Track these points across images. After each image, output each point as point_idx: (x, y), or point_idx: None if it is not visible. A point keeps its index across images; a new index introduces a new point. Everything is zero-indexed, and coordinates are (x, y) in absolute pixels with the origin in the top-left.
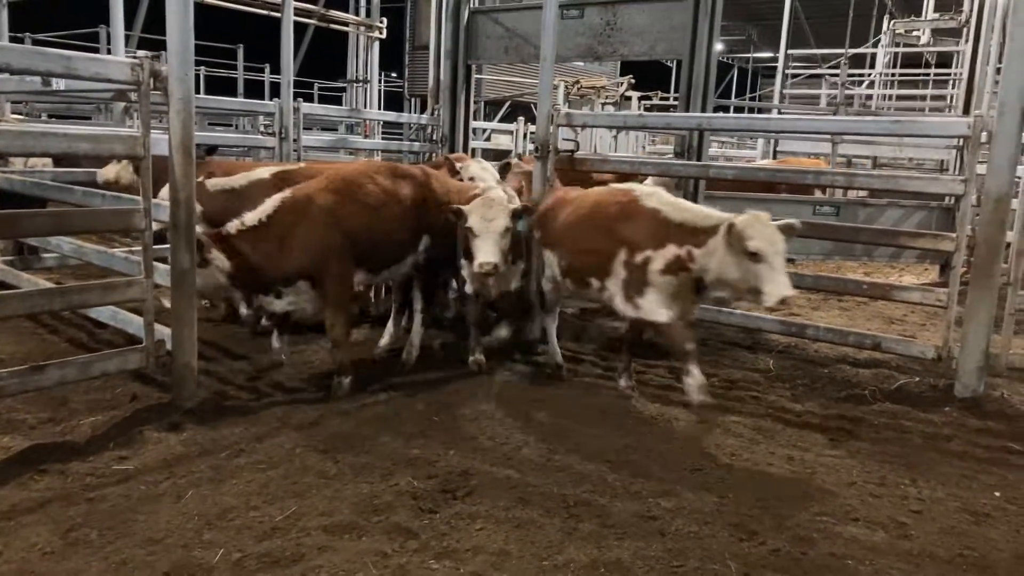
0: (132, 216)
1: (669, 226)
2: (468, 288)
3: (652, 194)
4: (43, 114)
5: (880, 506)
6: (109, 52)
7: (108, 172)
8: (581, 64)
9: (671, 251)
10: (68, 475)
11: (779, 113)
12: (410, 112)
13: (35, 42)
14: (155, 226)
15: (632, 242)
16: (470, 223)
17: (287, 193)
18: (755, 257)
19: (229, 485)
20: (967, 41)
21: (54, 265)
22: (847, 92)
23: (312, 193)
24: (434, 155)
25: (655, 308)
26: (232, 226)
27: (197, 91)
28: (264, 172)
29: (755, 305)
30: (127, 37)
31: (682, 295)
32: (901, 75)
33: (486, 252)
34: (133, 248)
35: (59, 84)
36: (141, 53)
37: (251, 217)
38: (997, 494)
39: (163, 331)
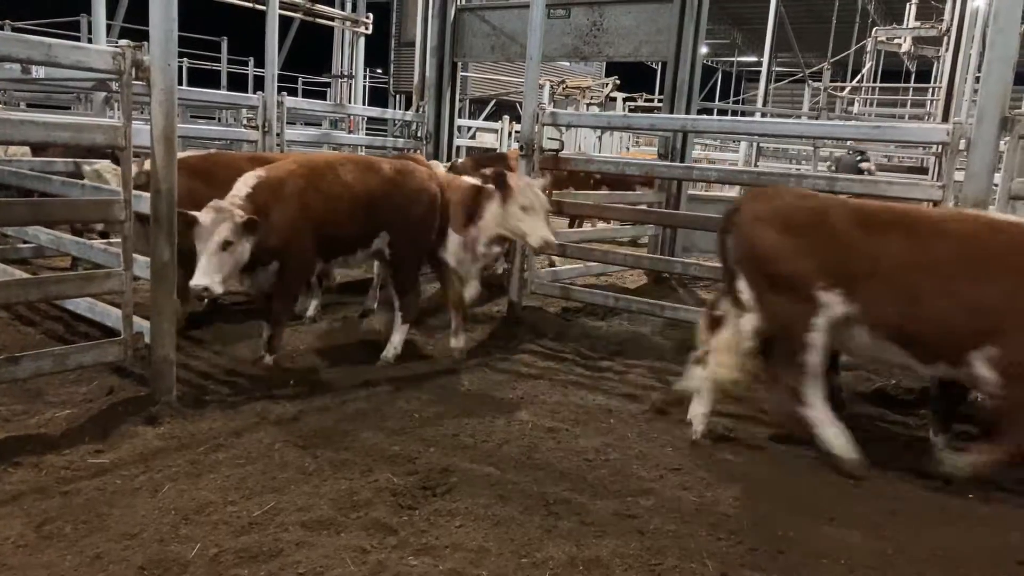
0: (111, 207)
1: None
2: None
3: None
4: (21, 103)
5: (856, 506)
6: (91, 41)
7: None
8: (567, 64)
9: None
10: (43, 468)
11: (762, 116)
12: (395, 108)
13: (15, 30)
14: None
15: None
16: None
17: None
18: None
19: (207, 480)
20: (947, 49)
21: (30, 256)
22: (829, 96)
23: None
24: (419, 151)
25: None
26: None
27: (180, 83)
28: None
29: None
30: (109, 27)
31: None
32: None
33: None
34: (112, 239)
35: (39, 72)
36: (123, 42)
37: None
38: (970, 495)
39: (141, 324)
